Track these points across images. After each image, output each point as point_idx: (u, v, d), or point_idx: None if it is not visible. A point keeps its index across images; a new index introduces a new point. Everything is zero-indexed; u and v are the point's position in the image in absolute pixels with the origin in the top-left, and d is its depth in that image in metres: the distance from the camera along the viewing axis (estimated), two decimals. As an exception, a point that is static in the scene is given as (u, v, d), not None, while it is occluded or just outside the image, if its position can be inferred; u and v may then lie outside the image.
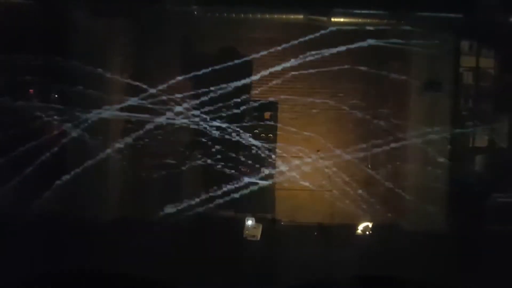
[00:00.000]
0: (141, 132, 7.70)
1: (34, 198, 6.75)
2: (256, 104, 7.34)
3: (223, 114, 7.25)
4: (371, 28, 6.79)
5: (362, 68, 7.67)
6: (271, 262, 5.95)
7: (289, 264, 5.78)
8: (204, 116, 7.30)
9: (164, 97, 7.37)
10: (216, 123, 7.27)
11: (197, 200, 7.58)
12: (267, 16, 6.50)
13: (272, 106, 7.19)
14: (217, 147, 7.38)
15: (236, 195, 6.99)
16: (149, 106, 7.64)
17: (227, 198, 7.09)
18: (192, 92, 7.60)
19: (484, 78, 7.65)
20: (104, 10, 6.70)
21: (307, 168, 7.67)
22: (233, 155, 7.20)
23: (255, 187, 7.01)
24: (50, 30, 6.90)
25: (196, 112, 7.32)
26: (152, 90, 7.17)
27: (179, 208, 7.52)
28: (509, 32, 6.79)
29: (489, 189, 6.75)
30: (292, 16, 6.55)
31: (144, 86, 7.33)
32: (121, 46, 7.46)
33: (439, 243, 6.40)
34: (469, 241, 6.29)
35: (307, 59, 7.70)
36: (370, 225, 7.19)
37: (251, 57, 7.71)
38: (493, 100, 7.61)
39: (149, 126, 7.69)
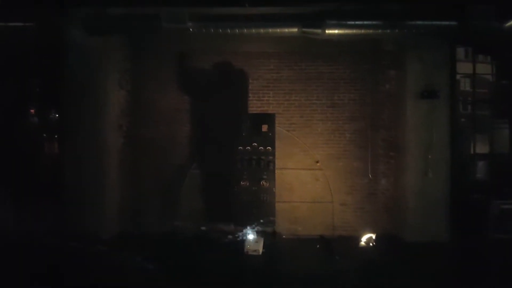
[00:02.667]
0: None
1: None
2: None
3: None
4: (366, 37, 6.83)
5: (358, 77, 7.79)
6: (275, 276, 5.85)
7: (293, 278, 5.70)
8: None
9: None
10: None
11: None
12: (262, 30, 6.52)
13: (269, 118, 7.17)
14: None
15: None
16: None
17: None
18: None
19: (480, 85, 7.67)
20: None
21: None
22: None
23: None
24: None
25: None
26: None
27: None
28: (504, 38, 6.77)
29: (490, 196, 6.67)
30: (286, 30, 6.55)
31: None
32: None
33: (441, 253, 6.33)
34: (472, 251, 6.22)
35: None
36: (373, 236, 7.12)
37: (246, 70, 7.82)
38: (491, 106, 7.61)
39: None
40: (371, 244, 7.02)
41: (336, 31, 6.51)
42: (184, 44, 7.56)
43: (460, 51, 7.73)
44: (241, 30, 6.50)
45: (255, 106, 7.82)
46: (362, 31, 6.54)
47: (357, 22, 6.47)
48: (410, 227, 7.11)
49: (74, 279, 5.25)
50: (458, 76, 7.63)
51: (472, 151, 7.47)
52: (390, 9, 6.50)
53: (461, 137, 7.45)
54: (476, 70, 7.50)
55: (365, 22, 6.47)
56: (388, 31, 6.56)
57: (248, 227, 6.87)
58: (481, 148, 7.49)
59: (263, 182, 6.97)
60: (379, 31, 6.57)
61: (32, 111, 7.70)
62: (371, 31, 6.55)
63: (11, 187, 6.86)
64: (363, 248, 6.98)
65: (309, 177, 7.77)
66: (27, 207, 6.80)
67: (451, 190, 7.10)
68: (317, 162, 7.76)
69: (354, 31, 6.55)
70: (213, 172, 7.69)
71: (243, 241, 6.70)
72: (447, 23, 6.42)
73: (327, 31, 6.46)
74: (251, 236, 6.73)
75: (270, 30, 6.55)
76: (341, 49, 7.57)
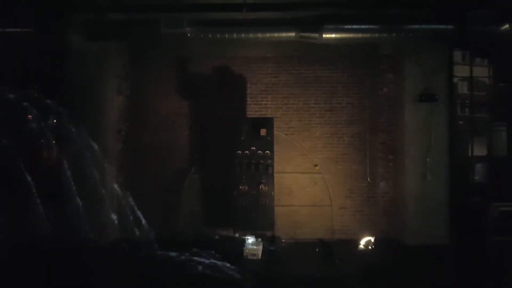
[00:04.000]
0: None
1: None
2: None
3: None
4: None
5: (356, 81, 7.82)
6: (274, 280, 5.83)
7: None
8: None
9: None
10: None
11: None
12: (259, 35, 6.55)
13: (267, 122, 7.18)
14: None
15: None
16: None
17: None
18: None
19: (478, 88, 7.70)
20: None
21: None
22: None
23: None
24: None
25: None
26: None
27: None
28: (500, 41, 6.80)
29: (489, 198, 6.66)
30: (284, 34, 6.59)
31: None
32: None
33: (441, 256, 6.32)
34: (471, 253, 6.21)
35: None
36: (372, 239, 7.11)
37: (245, 75, 7.85)
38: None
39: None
40: (370, 247, 7.01)
41: (333, 36, 6.54)
42: (183, 49, 7.60)
43: (458, 54, 7.76)
44: (239, 35, 6.53)
45: (253, 110, 7.85)
46: (360, 35, 6.57)
47: (354, 26, 6.50)
48: (409, 230, 7.11)
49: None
50: (455, 79, 7.66)
51: (470, 154, 7.49)
52: (387, 13, 6.53)
53: (460, 140, 7.47)
54: (474, 73, 7.54)
55: (363, 26, 6.50)
56: (386, 35, 6.60)
57: (247, 231, 6.85)
58: (480, 150, 7.51)
59: (262, 186, 6.96)
60: (377, 35, 6.60)
61: (30, 116, 7.70)
62: (368, 35, 6.58)
63: (10, 191, 6.83)
64: (362, 251, 6.98)
65: (308, 180, 7.78)
66: (27, 211, 6.78)
67: (450, 193, 7.12)
68: (316, 165, 7.77)
69: (351, 35, 6.57)
70: (212, 177, 7.69)
71: (242, 245, 6.68)
72: (444, 26, 6.45)
73: (324, 36, 6.48)
74: (250, 240, 6.71)
75: (268, 34, 6.58)
76: (339, 53, 7.62)
